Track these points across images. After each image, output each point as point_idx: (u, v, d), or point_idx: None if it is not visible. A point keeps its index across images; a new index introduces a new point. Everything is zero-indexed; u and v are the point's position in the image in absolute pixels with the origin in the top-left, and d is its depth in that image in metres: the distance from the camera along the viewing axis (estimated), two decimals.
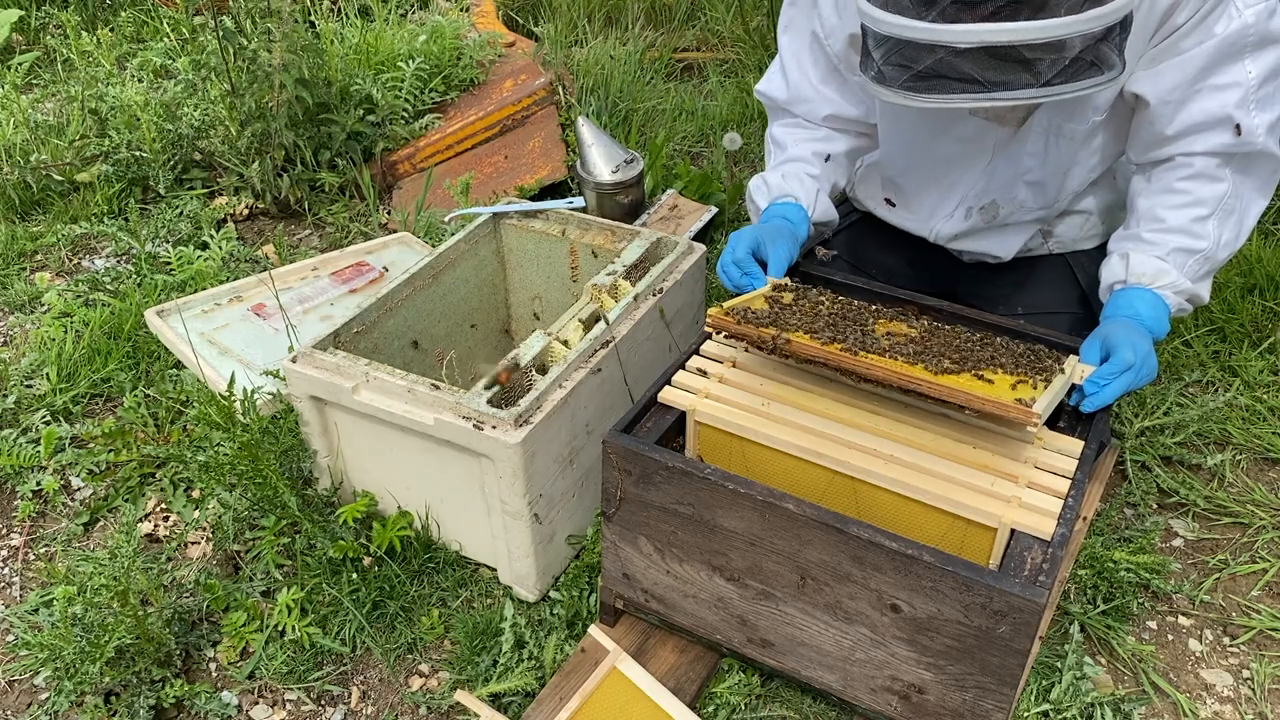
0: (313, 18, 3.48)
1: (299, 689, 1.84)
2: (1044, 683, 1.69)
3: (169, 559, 2.08)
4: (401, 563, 1.96)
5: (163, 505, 2.20)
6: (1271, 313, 2.47)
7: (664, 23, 4.11)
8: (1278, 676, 1.79)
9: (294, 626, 1.87)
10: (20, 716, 1.82)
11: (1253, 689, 1.78)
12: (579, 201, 2.42)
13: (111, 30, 4.19)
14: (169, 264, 2.85)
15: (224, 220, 3.13)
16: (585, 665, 1.73)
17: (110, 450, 2.25)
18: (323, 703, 1.83)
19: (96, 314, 2.62)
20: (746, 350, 1.76)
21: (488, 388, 1.78)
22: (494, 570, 1.98)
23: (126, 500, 2.21)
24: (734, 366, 1.75)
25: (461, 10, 3.94)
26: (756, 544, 1.53)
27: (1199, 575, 1.97)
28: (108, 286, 2.80)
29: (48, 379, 2.48)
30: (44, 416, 2.40)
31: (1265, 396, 2.29)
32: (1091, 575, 1.85)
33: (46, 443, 2.28)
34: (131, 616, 1.77)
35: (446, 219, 2.66)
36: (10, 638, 1.96)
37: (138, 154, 3.18)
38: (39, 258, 3.03)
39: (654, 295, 2.05)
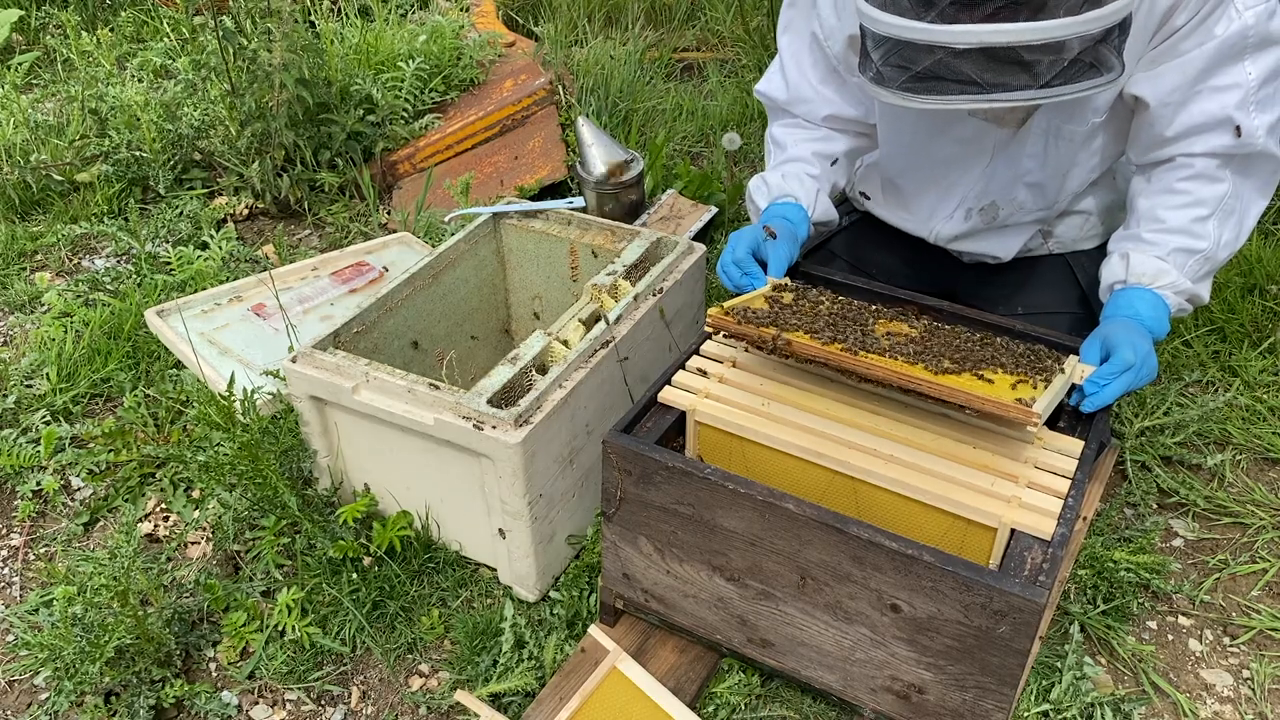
0: (313, 18, 3.48)
1: (299, 689, 1.84)
2: (1044, 683, 1.70)
3: (169, 559, 2.08)
4: (401, 563, 1.96)
5: (163, 505, 2.20)
6: (1271, 313, 2.47)
7: (664, 23, 4.12)
8: (1278, 676, 1.79)
9: (294, 626, 1.87)
10: (20, 716, 1.82)
11: (1253, 689, 1.78)
12: (579, 201, 2.42)
13: (111, 30, 4.19)
14: (169, 264, 2.85)
15: (224, 220, 3.13)
16: (585, 665, 1.73)
17: (110, 450, 2.25)
18: (323, 703, 1.84)
19: (96, 314, 2.62)
20: (746, 350, 1.76)
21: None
22: (494, 570, 1.98)
23: (126, 500, 2.21)
24: (734, 366, 1.75)
25: (461, 10, 3.94)
26: (756, 544, 1.53)
27: (1199, 575, 1.97)
28: (108, 286, 2.80)
29: (48, 379, 2.48)
30: (44, 416, 2.40)
31: (1265, 396, 2.29)
32: (1091, 575, 1.85)
33: (46, 443, 2.28)
34: (131, 616, 1.77)
35: (446, 219, 2.66)
36: (10, 638, 1.96)
37: (138, 154, 3.18)
38: (39, 258, 3.03)
39: (654, 295, 2.05)
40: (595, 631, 1.77)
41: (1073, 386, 1.62)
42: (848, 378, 1.64)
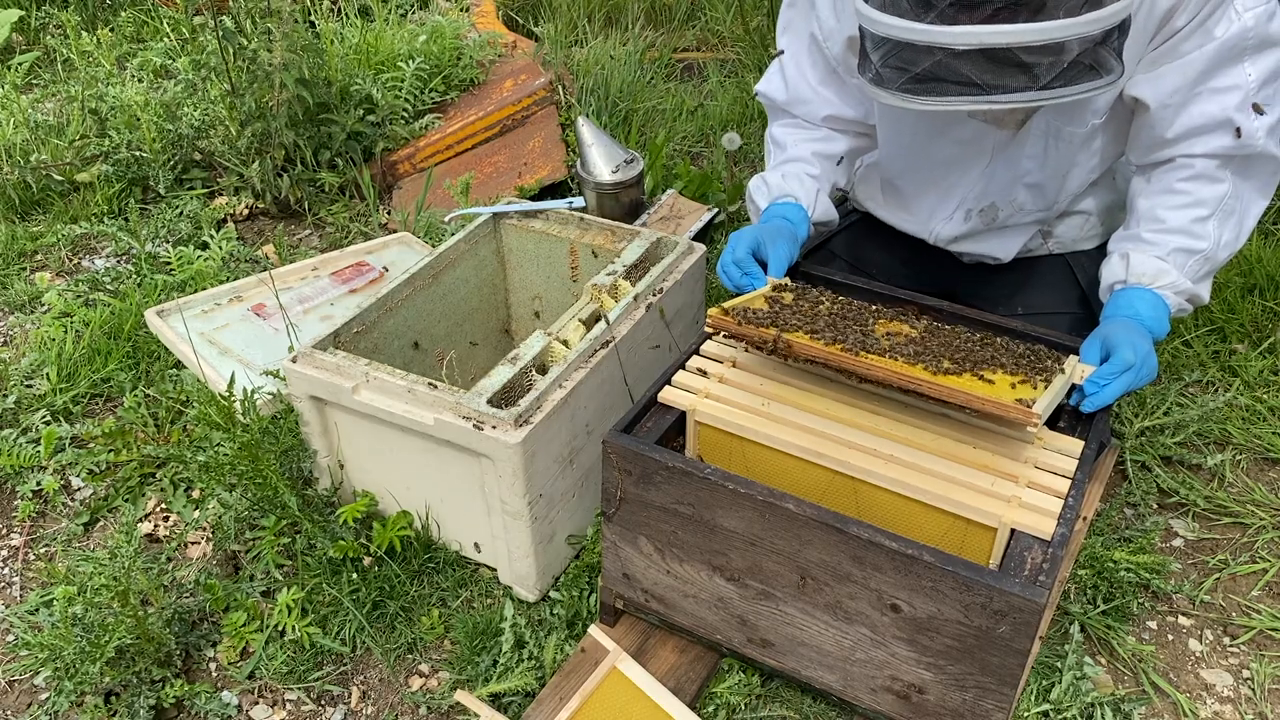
0: (313, 18, 3.48)
1: (299, 689, 1.84)
2: (1044, 683, 1.70)
3: (169, 559, 2.08)
4: (401, 563, 1.96)
5: (163, 505, 2.20)
6: (1271, 313, 2.47)
7: (664, 23, 4.12)
8: (1278, 676, 1.80)
9: (294, 626, 1.87)
10: (20, 716, 1.82)
11: (1253, 689, 1.78)
12: (579, 201, 2.42)
13: (111, 30, 4.19)
14: (169, 264, 2.85)
15: (224, 220, 3.13)
16: (585, 665, 1.73)
17: (110, 450, 2.25)
18: (323, 703, 1.84)
19: (96, 314, 2.62)
20: (746, 350, 1.76)
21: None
22: (494, 570, 1.98)
23: (126, 500, 2.21)
24: (734, 366, 1.75)
25: (461, 10, 3.94)
26: (756, 544, 1.53)
27: (1199, 575, 1.97)
28: (108, 286, 2.80)
29: (48, 379, 2.48)
30: (44, 416, 2.40)
31: (1265, 396, 2.29)
32: (1091, 575, 1.85)
33: (46, 443, 2.28)
34: (131, 616, 1.77)
35: (446, 219, 2.66)
36: (10, 638, 1.97)
37: (138, 154, 3.18)
38: (39, 258, 3.04)
39: (654, 295, 2.05)
40: (595, 631, 1.77)
41: (1073, 386, 1.62)
42: (848, 378, 1.64)
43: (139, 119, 3.16)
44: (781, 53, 2.03)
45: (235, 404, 2.06)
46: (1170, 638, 1.87)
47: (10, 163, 3.18)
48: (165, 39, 3.97)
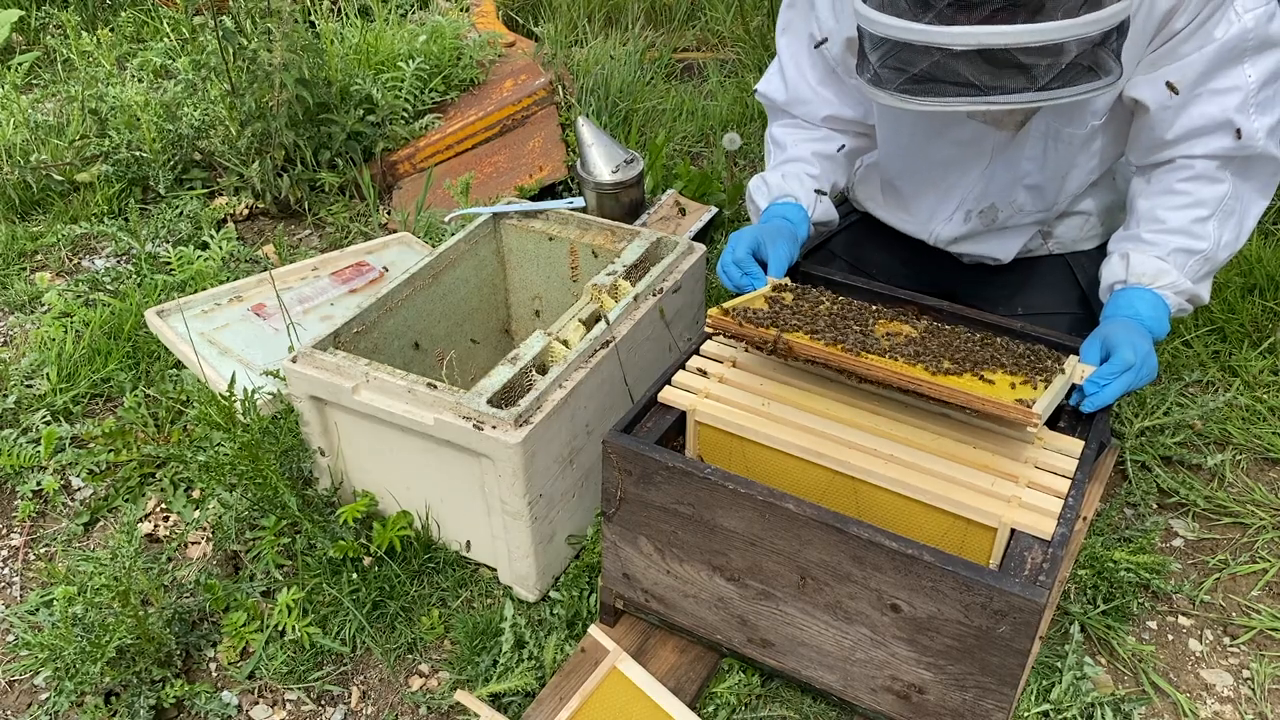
0: (313, 18, 3.48)
1: (299, 689, 1.84)
2: (1044, 683, 1.70)
3: (169, 559, 2.08)
4: (401, 563, 1.96)
5: (163, 505, 2.20)
6: (1271, 313, 2.47)
7: (664, 23, 4.12)
8: (1278, 676, 1.80)
9: (294, 626, 1.87)
10: (20, 716, 1.83)
11: (1253, 689, 1.78)
12: (579, 201, 2.42)
13: (111, 30, 4.19)
14: (169, 264, 2.85)
15: (224, 220, 3.13)
16: (585, 665, 1.73)
17: (110, 450, 2.25)
18: (323, 703, 1.84)
19: (96, 314, 2.62)
20: (746, 350, 1.76)
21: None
22: (494, 570, 1.98)
23: (126, 500, 2.21)
24: (734, 366, 1.75)
25: (461, 10, 3.94)
26: (756, 544, 1.53)
27: (1199, 575, 1.97)
28: (108, 286, 2.80)
29: (48, 379, 2.48)
30: (44, 416, 2.40)
31: (1265, 396, 2.29)
32: (1091, 575, 1.85)
33: (46, 443, 2.28)
34: (132, 616, 1.77)
35: (446, 219, 2.66)
36: (10, 638, 1.97)
37: (138, 154, 3.18)
38: (39, 258, 3.04)
39: (654, 295, 2.05)
40: (595, 631, 1.77)
41: (1073, 386, 1.62)
42: (848, 378, 1.64)
43: (139, 119, 3.16)
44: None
45: (235, 404, 2.06)
46: (1170, 638, 1.87)
47: (10, 163, 3.18)
48: (165, 39, 3.97)
